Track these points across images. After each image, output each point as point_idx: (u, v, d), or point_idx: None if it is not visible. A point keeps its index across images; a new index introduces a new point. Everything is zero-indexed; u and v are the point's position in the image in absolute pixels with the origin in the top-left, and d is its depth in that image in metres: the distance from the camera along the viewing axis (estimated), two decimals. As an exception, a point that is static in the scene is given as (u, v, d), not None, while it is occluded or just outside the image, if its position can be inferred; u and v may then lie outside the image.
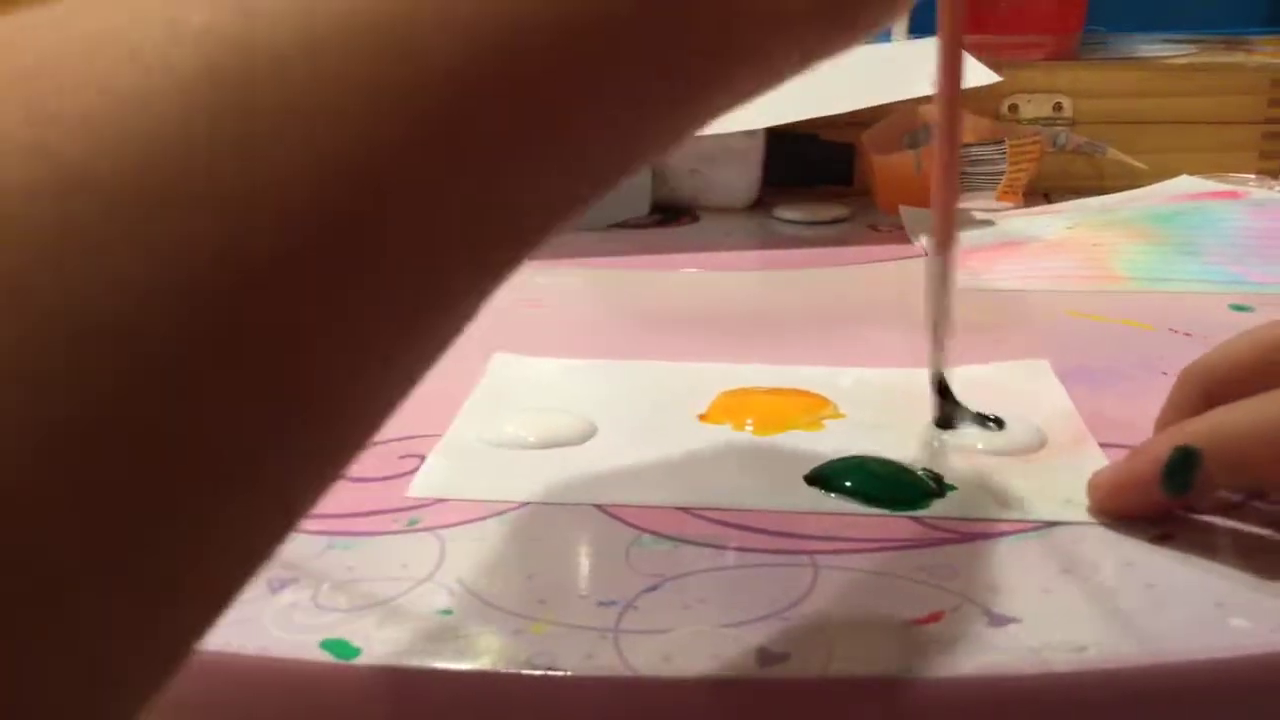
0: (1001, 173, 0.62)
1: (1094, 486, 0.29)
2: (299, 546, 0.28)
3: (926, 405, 0.35)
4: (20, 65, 0.13)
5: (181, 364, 0.13)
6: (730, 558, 0.27)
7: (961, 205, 0.61)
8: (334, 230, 0.14)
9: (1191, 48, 0.75)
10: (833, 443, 0.33)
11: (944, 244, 0.32)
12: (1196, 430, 0.27)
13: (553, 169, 0.16)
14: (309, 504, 0.16)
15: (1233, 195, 0.60)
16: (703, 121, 0.18)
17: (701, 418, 0.35)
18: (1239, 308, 0.45)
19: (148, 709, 0.15)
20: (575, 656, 0.23)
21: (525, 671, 0.23)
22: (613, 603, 0.25)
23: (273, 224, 0.14)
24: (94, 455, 0.13)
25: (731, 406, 0.36)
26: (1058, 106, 0.66)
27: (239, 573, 0.16)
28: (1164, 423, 0.31)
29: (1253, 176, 0.65)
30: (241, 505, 0.15)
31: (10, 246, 0.12)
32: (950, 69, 0.29)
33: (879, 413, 0.35)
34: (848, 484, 0.30)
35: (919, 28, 0.68)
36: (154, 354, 0.13)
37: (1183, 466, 0.27)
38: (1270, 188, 0.62)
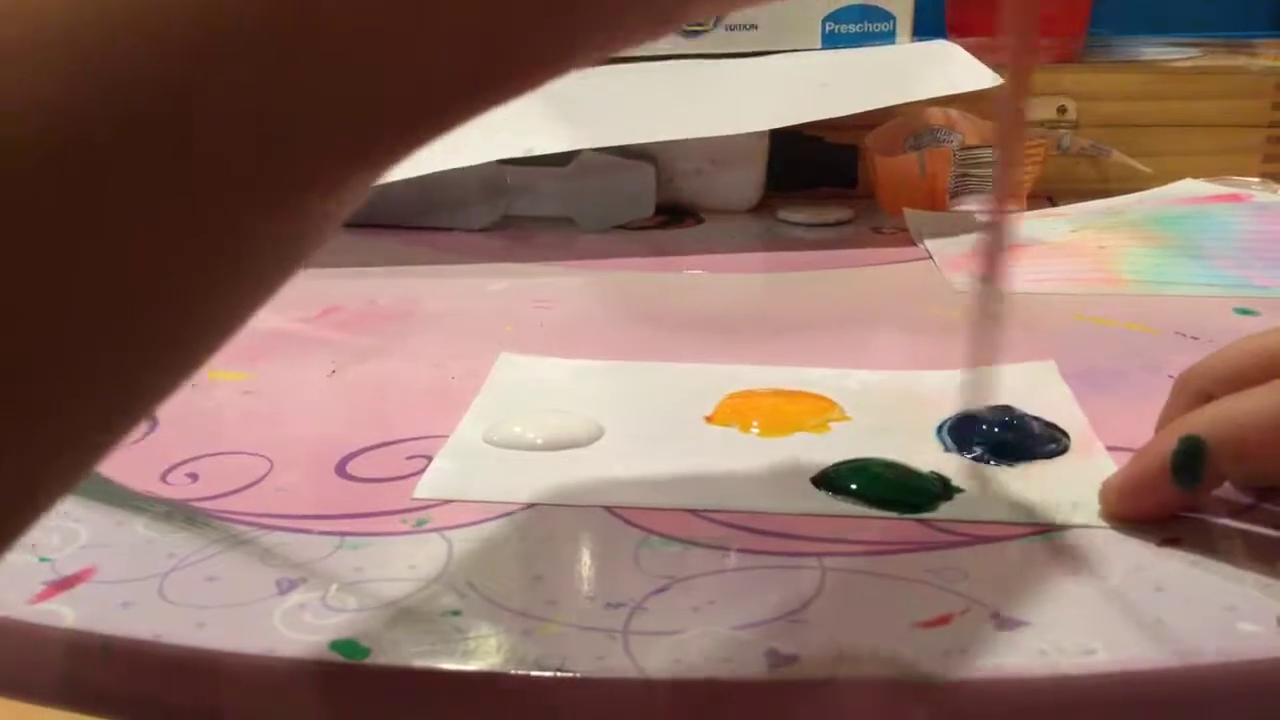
0: (1006, 175, 0.61)
1: (1105, 492, 0.29)
2: (307, 547, 0.28)
3: (932, 408, 0.35)
4: None
5: None
6: (738, 560, 0.27)
7: (966, 208, 0.61)
8: (172, 97, 0.14)
9: (1195, 51, 0.75)
10: (839, 445, 0.33)
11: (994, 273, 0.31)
12: (1198, 421, 0.27)
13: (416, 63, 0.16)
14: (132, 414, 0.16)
15: (1236, 199, 0.60)
16: (567, 58, 0.18)
17: (708, 420, 0.35)
18: (1244, 311, 0.45)
19: None
20: (585, 657, 0.23)
21: (535, 673, 0.23)
22: (622, 604, 0.25)
23: (97, 78, 0.13)
24: None
25: (738, 409, 0.36)
26: (1062, 109, 0.66)
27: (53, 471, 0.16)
28: (1163, 426, 0.31)
29: (1257, 180, 0.65)
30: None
31: None
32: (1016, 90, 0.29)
33: (885, 415, 0.35)
34: (854, 486, 0.30)
35: (922, 30, 0.68)
36: None
37: (1190, 457, 0.27)
38: (1274, 191, 0.62)
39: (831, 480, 0.31)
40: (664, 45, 0.59)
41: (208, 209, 0.15)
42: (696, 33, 0.61)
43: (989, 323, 0.31)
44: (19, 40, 0.13)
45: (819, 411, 0.36)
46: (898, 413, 0.35)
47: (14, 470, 0.15)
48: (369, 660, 0.24)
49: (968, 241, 0.55)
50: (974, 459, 0.32)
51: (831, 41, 0.65)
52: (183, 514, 0.29)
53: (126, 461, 0.32)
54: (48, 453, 0.15)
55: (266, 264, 0.17)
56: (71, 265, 0.14)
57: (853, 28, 0.65)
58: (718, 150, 0.61)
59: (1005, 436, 0.33)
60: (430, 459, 0.33)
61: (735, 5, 0.19)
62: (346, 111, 0.16)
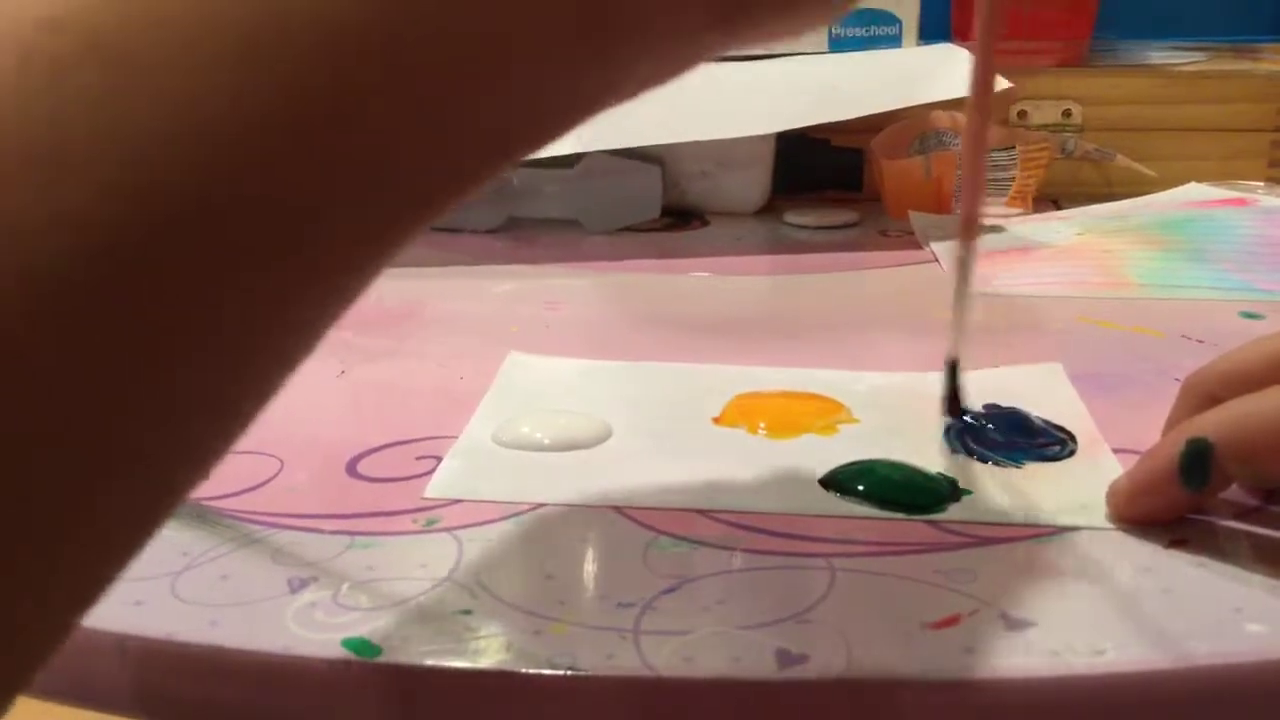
0: (1011, 179, 0.62)
1: (1112, 494, 0.29)
2: (319, 546, 0.28)
3: (940, 409, 0.35)
4: None
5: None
6: (747, 560, 0.27)
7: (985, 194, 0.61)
8: (201, 199, 0.13)
9: (1200, 55, 0.75)
10: (846, 447, 0.33)
11: (968, 232, 0.32)
12: (1205, 423, 0.27)
13: (427, 143, 0.16)
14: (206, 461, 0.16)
15: (1241, 203, 0.60)
16: (594, 107, 0.18)
17: (716, 421, 0.35)
18: (1250, 315, 0.45)
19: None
20: (596, 657, 0.23)
21: (547, 671, 0.23)
22: (631, 604, 0.25)
23: (134, 193, 0.13)
24: None
25: (745, 410, 0.36)
26: (1067, 113, 0.66)
27: (119, 547, 0.15)
28: (1170, 429, 0.31)
29: (1261, 184, 0.65)
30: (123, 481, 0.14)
31: None
32: (983, 71, 0.30)
33: (892, 417, 0.35)
34: (861, 488, 0.30)
35: (928, 33, 0.68)
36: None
37: (1197, 459, 0.27)
38: (1279, 195, 0.62)
39: (839, 482, 0.31)
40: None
41: (264, 292, 0.15)
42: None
43: (964, 276, 0.32)
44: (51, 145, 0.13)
45: (826, 413, 0.36)
46: (905, 414, 0.35)
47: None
48: (381, 659, 0.24)
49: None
50: (981, 461, 0.32)
51: (838, 45, 0.65)
52: (194, 512, 0.30)
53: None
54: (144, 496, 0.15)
55: (312, 334, 0.17)
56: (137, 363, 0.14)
57: (859, 31, 0.65)
58: (724, 153, 0.61)
59: (1012, 439, 0.33)
60: (440, 459, 0.33)
61: (750, 40, 0.19)
62: (403, 176, 0.16)
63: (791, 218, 0.62)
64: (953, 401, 0.34)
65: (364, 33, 0.14)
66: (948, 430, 0.34)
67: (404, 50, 0.14)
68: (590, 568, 0.28)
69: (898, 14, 0.65)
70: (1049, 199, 0.65)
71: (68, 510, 0.14)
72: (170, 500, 0.16)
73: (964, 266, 0.32)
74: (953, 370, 0.34)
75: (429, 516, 0.30)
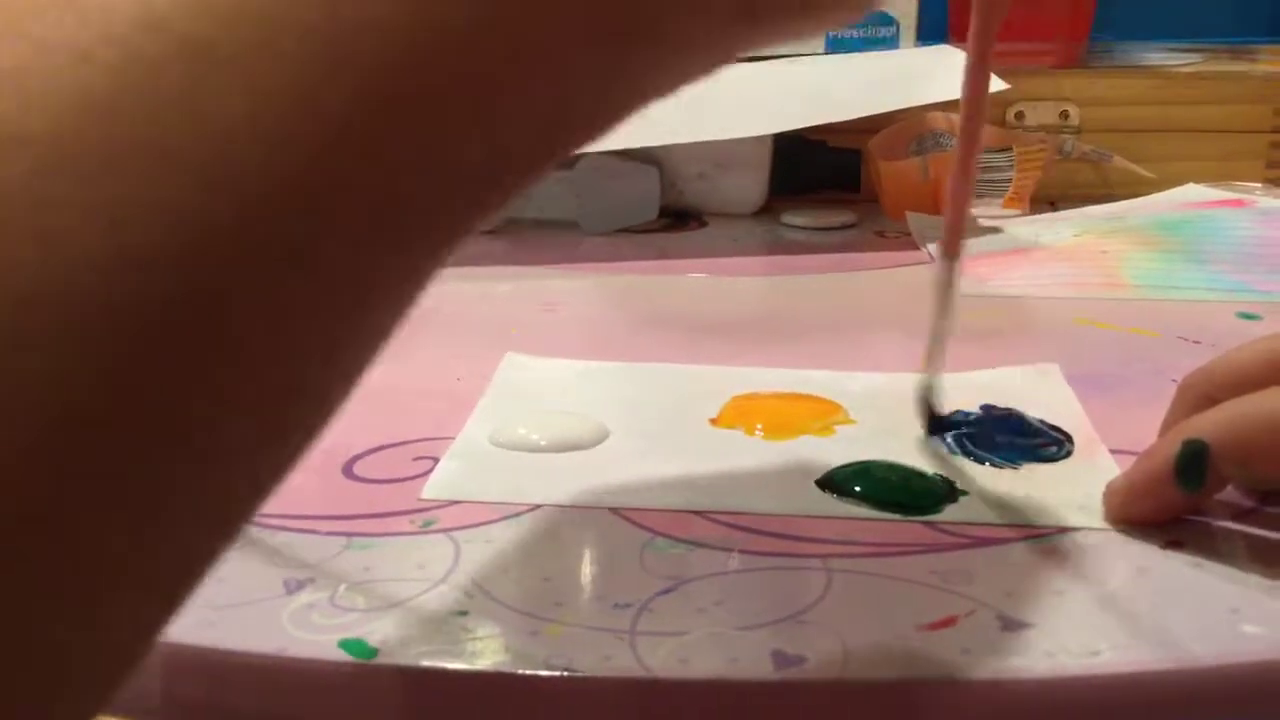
0: (1008, 180, 0.62)
1: (1109, 495, 0.29)
2: (315, 547, 0.28)
3: (921, 426, 0.35)
4: None
5: (127, 338, 0.13)
6: (743, 561, 0.27)
7: (971, 212, 0.62)
8: (289, 191, 0.14)
9: (1198, 56, 0.76)
10: (843, 448, 0.33)
11: (952, 251, 0.32)
12: (1201, 424, 0.27)
13: (480, 143, 0.16)
14: (269, 484, 0.16)
15: (1239, 204, 0.60)
16: (626, 107, 0.18)
17: (713, 422, 0.35)
18: (1247, 316, 0.45)
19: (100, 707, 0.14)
20: (592, 658, 0.23)
21: (543, 672, 0.23)
22: (628, 605, 0.25)
23: (227, 183, 0.13)
24: (16, 433, 0.12)
25: (742, 411, 0.36)
26: (1064, 114, 0.66)
27: (192, 561, 0.15)
28: (1167, 430, 0.31)
29: (1259, 185, 0.65)
30: (194, 482, 0.14)
31: None
32: (976, 75, 0.30)
33: (889, 418, 0.35)
34: (858, 489, 0.30)
35: (926, 34, 0.68)
36: (98, 327, 0.13)
37: (1193, 460, 0.27)
38: (1277, 196, 0.62)
39: (836, 483, 0.31)
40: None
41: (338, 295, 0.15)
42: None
43: (947, 292, 0.32)
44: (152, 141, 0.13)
45: (823, 414, 0.36)
46: (902, 415, 0.35)
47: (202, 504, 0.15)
48: (377, 660, 0.24)
49: (970, 245, 0.55)
50: (978, 461, 0.32)
51: (835, 46, 0.65)
52: (191, 514, 0.30)
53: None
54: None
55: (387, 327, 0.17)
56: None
57: (856, 32, 0.65)
58: (721, 154, 0.62)
59: (1009, 439, 0.33)
60: (437, 460, 0.33)
61: (782, 38, 0.19)
62: (457, 182, 0.16)
63: (789, 219, 0.62)
64: (934, 421, 0.34)
65: (389, 50, 0.14)
66: (943, 434, 0.34)
67: (437, 58, 0.15)
68: (587, 569, 0.28)
69: (895, 15, 0.65)
70: (1046, 200, 0.65)
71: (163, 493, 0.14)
72: (263, 488, 0.16)
73: (946, 285, 0.32)
74: (928, 392, 0.34)
75: (426, 518, 0.30)
